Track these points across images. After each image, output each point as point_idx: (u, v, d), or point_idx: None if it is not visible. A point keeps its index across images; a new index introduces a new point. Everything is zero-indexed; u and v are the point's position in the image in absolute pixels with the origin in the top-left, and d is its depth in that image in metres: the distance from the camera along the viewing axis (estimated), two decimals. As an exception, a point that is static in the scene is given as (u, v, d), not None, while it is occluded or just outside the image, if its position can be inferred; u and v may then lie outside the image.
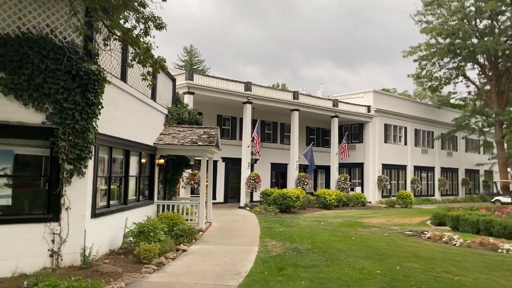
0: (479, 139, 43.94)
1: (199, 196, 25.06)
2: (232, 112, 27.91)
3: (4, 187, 8.18)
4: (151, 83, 9.09)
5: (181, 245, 11.25)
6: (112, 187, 10.83)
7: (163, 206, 14.48)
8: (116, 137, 10.59)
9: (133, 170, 12.44)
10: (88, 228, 9.02)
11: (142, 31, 8.12)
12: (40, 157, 8.67)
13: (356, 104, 32.64)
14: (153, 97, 13.96)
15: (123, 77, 11.17)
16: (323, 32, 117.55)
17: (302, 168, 29.25)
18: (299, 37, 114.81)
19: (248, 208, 23.83)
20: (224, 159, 27.54)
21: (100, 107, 9.17)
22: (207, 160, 15.71)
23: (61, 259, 8.51)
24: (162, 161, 14.59)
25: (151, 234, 10.09)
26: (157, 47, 8.69)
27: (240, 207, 24.53)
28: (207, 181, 23.33)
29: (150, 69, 8.84)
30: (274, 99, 26.54)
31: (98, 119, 9.14)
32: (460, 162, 42.06)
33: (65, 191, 8.62)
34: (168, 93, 16.29)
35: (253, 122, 25.67)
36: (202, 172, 14.76)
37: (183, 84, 22.20)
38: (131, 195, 12.28)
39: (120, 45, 10.49)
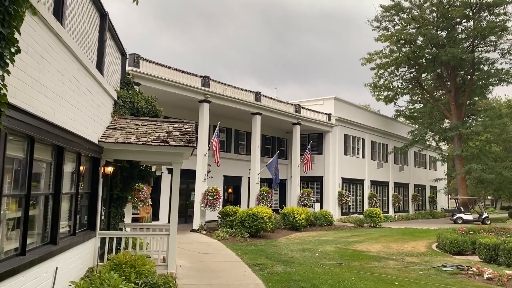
0: (426, 154, 43.22)
1: (141, 217, 19.93)
2: (181, 114, 22.86)
3: None
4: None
5: (158, 316, 6.41)
6: (30, 213, 5.74)
7: (110, 239, 9.38)
8: (43, 119, 5.58)
9: (68, 183, 7.38)
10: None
11: None
12: None
13: (317, 112, 29.36)
14: (100, 67, 8.97)
15: (57, 14, 6.20)
16: (246, 49, 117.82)
17: (265, 181, 25.12)
18: (223, 52, 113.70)
19: (204, 232, 19.04)
20: (170, 170, 22.43)
21: (14, 49, 4.21)
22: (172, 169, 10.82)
23: None
24: (110, 169, 9.55)
25: (110, 306, 5.19)
26: None
27: (193, 230, 19.66)
28: (142, 200, 18.11)
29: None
30: (235, 99, 22.19)
31: (8, 73, 4.17)
32: (410, 177, 40.71)
33: None
34: (116, 71, 11.27)
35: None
36: (174, 185, 9.85)
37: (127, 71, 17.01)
38: (64, 227, 7.19)
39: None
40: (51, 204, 6.55)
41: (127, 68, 17.08)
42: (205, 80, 20.50)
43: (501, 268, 11.53)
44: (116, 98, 10.49)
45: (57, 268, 6.46)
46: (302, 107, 27.81)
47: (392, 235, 20.64)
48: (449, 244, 14.42)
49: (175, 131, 9.86)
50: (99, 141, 8.83)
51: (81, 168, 8.19)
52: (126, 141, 8.98)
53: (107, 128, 9.63)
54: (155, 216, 21.67)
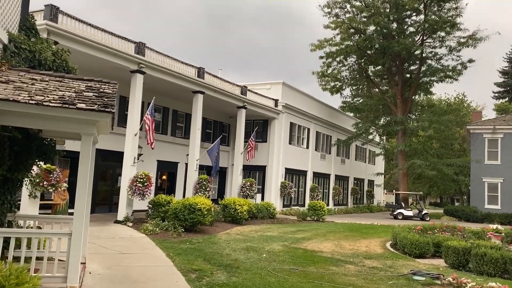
0: (367, 148, 42.97)
1: (55, 204, 16.69)
2: (111, 86, 19.79)
3: None
4: None
5: None
6: None
7: (-17, 239, 6.54)
8: None
9: None
10: None
11: None
12: None
13: (264, 96, 27.29)
14: (-26, -13, 6.05)
15: None
16: (185, 34, 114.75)
17: (204, 169, 22.67)
18: (161, 36, 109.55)
19: (130, 224, 16.28)
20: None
21: None
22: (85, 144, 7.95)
23: None
24: (-14, 139, 6.68)
25: None
26: None
27: (117, 222, 16.82)
28: (53, 183, 14.65)
29: None
30: (175, 73, 19.41)
31: None
32: (351, 170, 40.19)
33: None
34: (11, 7, 8.24)
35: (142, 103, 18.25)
36: (82, 165, 7.18)
37: (41, 25, 13.69)
38: None
39: None
40: None
41: (42, 22, 13.94)
42: (140, 47, 17.54)
43: (473, 276, 10.15)
44: (6, 42, 7.53)
45: None
46: (249, 90, 25.60)
47: (339, 231, 19.16)
48: (409, 245, 12.94)
49: (88, 91, 7.16)
50: (-33, 95, 5.95)
51: None
52: (11, 99, 6.16)
53: (-13, 80, 6.72)
54: (74, 203, 18.49)
